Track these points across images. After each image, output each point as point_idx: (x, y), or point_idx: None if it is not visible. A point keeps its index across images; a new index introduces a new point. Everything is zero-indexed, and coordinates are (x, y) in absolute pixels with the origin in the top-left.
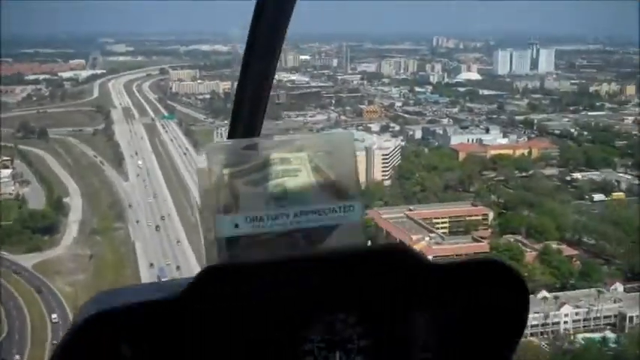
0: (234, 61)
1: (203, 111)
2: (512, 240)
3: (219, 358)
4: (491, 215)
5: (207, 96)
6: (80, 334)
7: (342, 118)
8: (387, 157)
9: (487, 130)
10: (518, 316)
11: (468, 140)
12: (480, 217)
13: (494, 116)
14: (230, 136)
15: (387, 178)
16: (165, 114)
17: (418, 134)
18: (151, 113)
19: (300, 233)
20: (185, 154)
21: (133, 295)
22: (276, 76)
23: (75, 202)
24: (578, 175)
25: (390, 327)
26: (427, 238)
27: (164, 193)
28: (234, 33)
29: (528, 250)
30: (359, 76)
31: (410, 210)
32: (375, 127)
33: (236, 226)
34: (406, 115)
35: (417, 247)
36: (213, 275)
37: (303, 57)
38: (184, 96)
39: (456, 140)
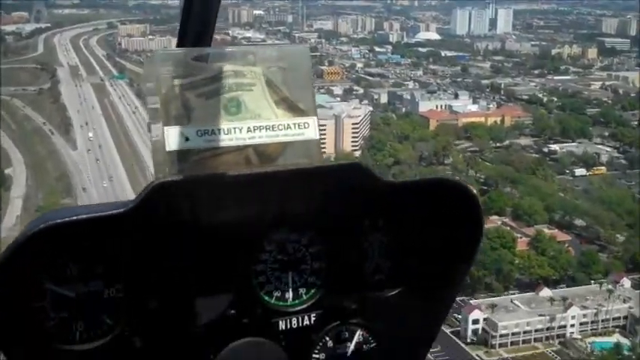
0: None
1: None
2: (499, 223)
3: (168, 275)
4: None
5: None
6: (22, 249)
7: None
8: (357, 126)
9: (456, 96)
10: (472, 231)
11: (437, 107)
12: None
13: (459, 79)
14: (179, 44)
15: (357, 148)
16: (115, 73)
17: (384, 98)
18: (100, 72)
19: (253, 149)
20: (141, 125)
21: (83, 212)
22: (229, 32)
23: (19, 174)
24: (555, 147)
25: (344, 248)
26: None
27: (119, 174)
28: None
29: (519, 235)
30: (316, 34)
31: None
32: (337, 89)
33: (187, 139)
34: (369, 77)
35: None
36: (162, 190)
37: (257, 12)
38: (134, 53)
39: (424, 106)
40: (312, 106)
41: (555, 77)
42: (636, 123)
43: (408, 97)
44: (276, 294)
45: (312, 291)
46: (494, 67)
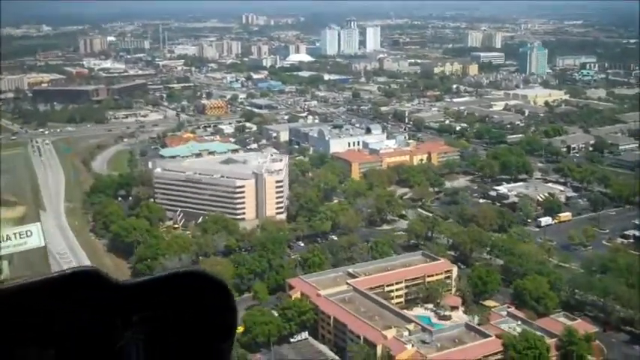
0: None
1: (9, 115)
2: (505, 315)
3: None
4: (455, 271)
5: (10, 95)
6: None
7: (183, 116)
8: (281, 183)
9: (368, 131)
10: (226, 319)
11: (350, 144)
12: (442, 276)
13: (355, 107)
14: None
15: (282, 210)
16: None
17: (284, 136)
18: None
19: None
20: None
21: None
22: (84, 63)
23: None
24: (503, 190)
25: (93, 356)
26: (406, 333)
27: None
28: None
29: (540, 334)
30: (181, 61)
31: (351, 275)
32: (226, 127)
33: None
34: (256, 110)
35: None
36: None
37: (110, 38)
38: None
39: (335, 145)
40: (35, 210)
41: (455, 100)
42: (565, 150)
43: (314, 135)
44: None
45: None
46: (383, 89)
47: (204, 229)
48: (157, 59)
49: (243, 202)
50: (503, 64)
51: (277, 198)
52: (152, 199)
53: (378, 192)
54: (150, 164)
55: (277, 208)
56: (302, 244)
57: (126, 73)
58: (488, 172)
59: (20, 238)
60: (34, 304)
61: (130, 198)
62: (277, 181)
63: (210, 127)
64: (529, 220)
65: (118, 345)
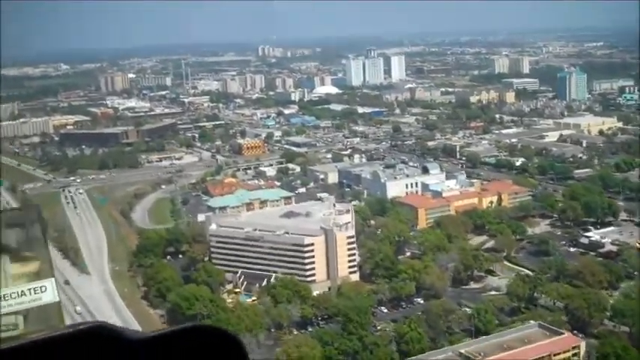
0: (62, 85)
1: (36, 162)
2: None
3: None
4: (582, 347)
5: (36, 139)
6: None
7: (220, 158)
8: (353, 239)
9: (425, 170)
10: None
11: (408, 186)
12: (569, 354)
13: (398, 142)
14: None
15: (354, 270)
16: None
17: (332, 178)
18: None
19: None
20: None
21: None
22: (107, 103)
23: None
24: (594, 236)
25: None
26: None
27: None
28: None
29: None
30: (206, 97)
31: (465, 357)
32: (269, 170)
33: None
34: (294, 149)
35: None
36: None
37: (131, 75)
38: (6, 141)
39: (392, 187)
40: (49, 265)
41: (503, 131)
42: None
43: (367, 177)
44: None
45: None
46: (422, 121)
47: (272, 296)
48: (181, 96)
49: (313, 262)
50: (539, 90)
51: (349, 255)
52: (207, 258)
53: (460, 244)
54: (200, 217)
55: (350, 267)
56: (385, 310)
57: (152, 112)
58: (571, 215)
59: (35, 293)
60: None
61: (180, 255)
62: (348, 237)
63: (250, 169)
64: (635, 273)
65: None
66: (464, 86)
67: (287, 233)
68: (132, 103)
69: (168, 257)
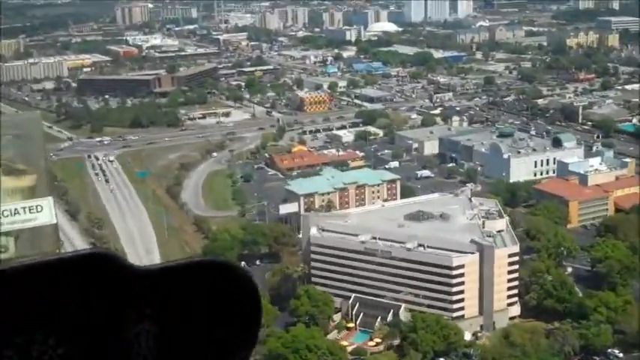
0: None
1: (52, 115)
2: None
3: None
4: None
5: (49, 85)
6: None
7: (277, 115)
8: (516, 258)
9: (557, 142)
10: (250, 317)
11: (537, 164)
12: None
13: (496, 98)
14: None
15: (513, 299)
16: None
17: (429, 147)
18: None
19: None
20: None
21: None
22: (128, 39)
23: None
24: None
25: (100, 347)
26: None
27: None
28: None
29: None
30: (243, 34)
31: None
32: (344, 135)
33: None
34: (366, 104)
35: None
36: None
37: (149, 5)
38: (12, 85)
39: (516, 164)
40: (46, 183)
41: (627, 87)
42: None
43: (483, 150)
44: None
45: None
46: (512, 69)
47: (404, 337)
48: (213, 32)
49: (462, 291)
50: None
51: (509, 281)
52: (300, 269)
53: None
54: (282, 209)
55: (509, 297)
56: None
57: (183, 53)
58: None
59: (30, 212)
60: (39, 287)
61: (258, 262)
62: (511, 255)
63: (319, 131)
64: None
65: (127, 339)
66: (548, 25)
67: (422, 246)
68: (156, 40)
69: (242, 263)
